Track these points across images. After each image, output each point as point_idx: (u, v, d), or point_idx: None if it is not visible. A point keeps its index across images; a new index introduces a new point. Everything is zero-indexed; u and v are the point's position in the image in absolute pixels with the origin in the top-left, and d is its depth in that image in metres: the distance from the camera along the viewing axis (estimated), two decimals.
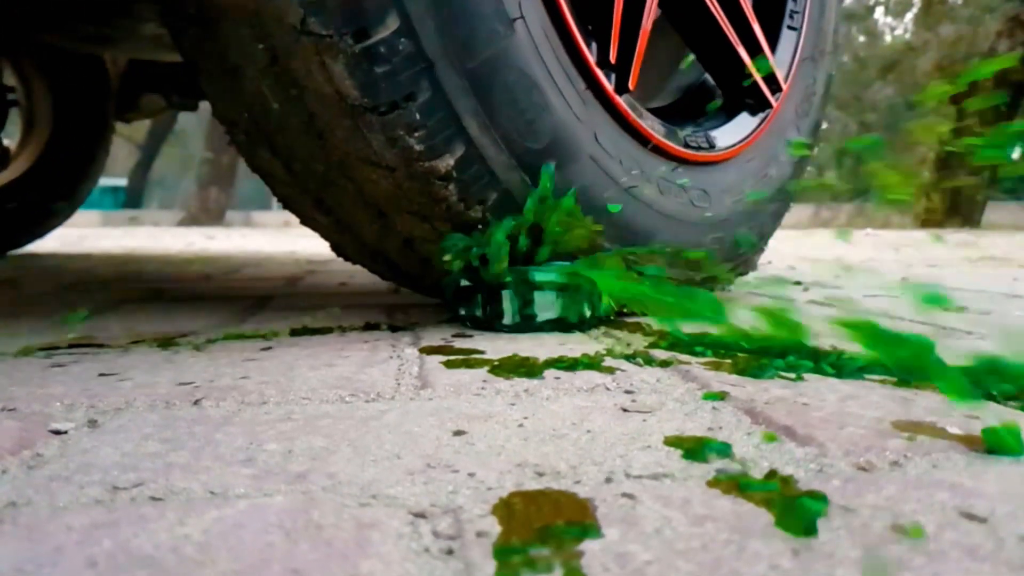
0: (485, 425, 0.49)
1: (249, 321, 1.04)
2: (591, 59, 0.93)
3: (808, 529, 0.32)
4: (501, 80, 0.83)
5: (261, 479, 0.40)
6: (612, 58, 0.95)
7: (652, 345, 0.81)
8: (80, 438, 0.48)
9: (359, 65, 0.75)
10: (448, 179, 0.82)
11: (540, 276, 0.88)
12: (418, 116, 0.78)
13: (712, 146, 1.14)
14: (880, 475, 0.40)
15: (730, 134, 1.17)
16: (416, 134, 0.78)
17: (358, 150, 0.82)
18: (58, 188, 2.65)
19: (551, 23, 0.89)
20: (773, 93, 1.21)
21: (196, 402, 0.57)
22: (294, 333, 0.91)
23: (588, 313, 0.92)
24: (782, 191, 1.25)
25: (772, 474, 0.39)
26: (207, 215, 11.90)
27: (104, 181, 17.25)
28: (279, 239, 4.77)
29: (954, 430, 0.47)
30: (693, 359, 0.72)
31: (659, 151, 1.04)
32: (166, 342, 0.85)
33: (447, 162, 0.81)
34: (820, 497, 0.35)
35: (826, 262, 2.56)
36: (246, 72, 0.84)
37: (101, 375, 0.67)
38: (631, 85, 0.98)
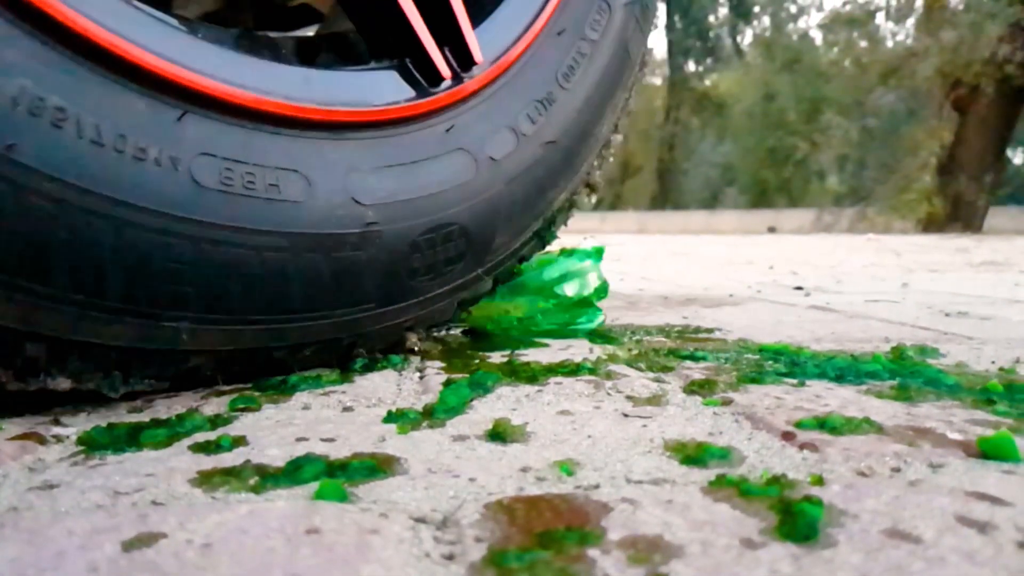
0: (486, 430, 0.49)
1: None
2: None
3: (808, 534, 0.32)
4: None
5: (262, 484, 0.40)
6: (443, 72, 0.71)
7: (653, 351, 0.81)
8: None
9: None
10: None
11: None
12: None
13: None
14: (880, 480, 0.40)
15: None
16: None
17: None
18: None
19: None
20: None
21: (197, 407, 0.57)
22: None
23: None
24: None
25: (772, 479, 0.39)
26: None
27: None
28: None
29: (954, 436, 0.47)
30: (695, 364, 0.72)
31: None
32: None
33: None
34: (820, 502, 0.35)
35: (828, 267, 2.56)
36: None
37: None
38: (476, 57, 0.74)
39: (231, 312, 0.59)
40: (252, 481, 0.40)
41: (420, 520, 0.35)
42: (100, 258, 0.52)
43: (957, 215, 10.56)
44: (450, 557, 0.31)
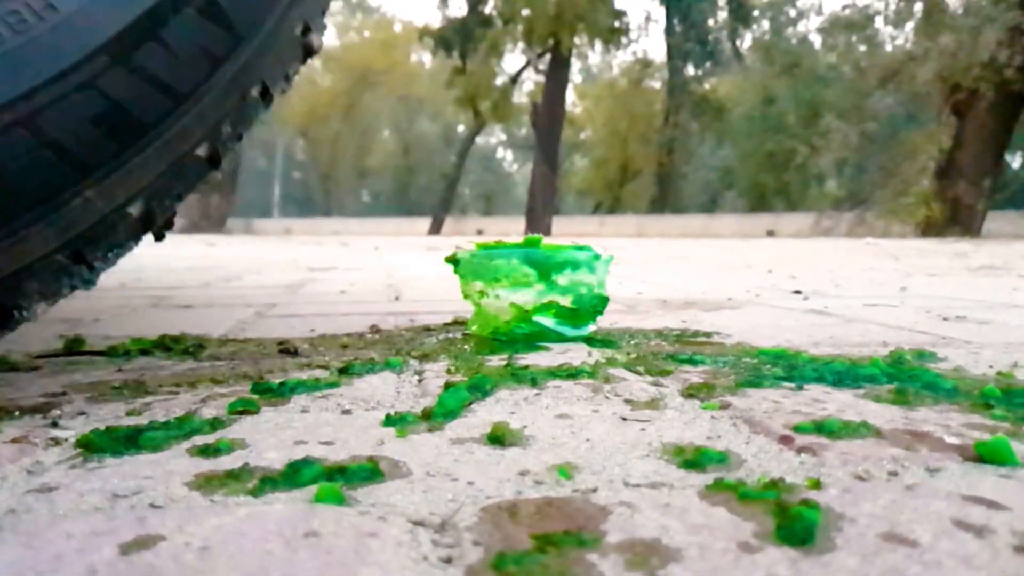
0: (484, 433, 0.49)
1: (249, 329, 1.05)
2: None
3: (805, 538, 0.32)
4: None
5: (260, 487, 0.40)
6: None
7: (652, 354, 0.81)
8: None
9: None
10: None
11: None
12: None
13: None
14: (877, 484, 0.40)
15: None
16: None
17: None
18: None
19: None
20: None
21: (196, 410, 0.57)
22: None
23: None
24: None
25: (770, 483, 0.39)
26: (208, 222, 12.02)
27: None
28: (280, 246, 4.78)
29: (951, 440, 0.47)
30: (693, 368, 0.72)
31: None
32: (165, 349, 0.85)
33: None
34: (817, 506, 0.35)
35: (827, 271, 2.56)
36: None
37: (100, 382, 0.67)
38: None
39: (117, 154, 0.53)
40: (250, 484, 0.40)
41: (418, 523, 0.35)
42: None
43: (956, 219, 10.56)
44: (448, 560, 0.31)
